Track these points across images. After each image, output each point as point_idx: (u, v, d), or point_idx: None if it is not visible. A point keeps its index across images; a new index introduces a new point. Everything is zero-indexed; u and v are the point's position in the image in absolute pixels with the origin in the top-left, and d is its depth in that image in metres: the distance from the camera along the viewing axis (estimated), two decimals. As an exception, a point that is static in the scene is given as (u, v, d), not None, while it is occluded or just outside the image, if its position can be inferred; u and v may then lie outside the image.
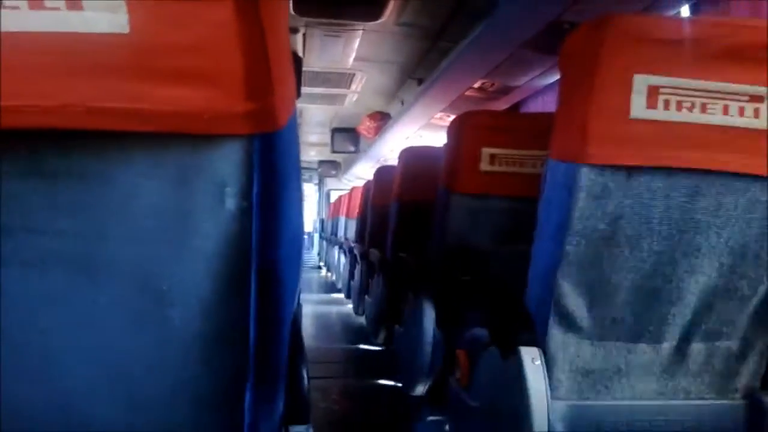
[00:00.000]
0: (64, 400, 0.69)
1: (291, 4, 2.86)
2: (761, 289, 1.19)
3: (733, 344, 1.22)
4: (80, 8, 0.57)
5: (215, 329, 0.69)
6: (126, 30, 0.57)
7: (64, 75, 0.58)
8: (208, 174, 0.65)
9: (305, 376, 0.90)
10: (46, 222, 0.64)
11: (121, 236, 0.66)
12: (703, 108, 1.08)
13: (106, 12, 0.57)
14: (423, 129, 4.67)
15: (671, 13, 2.12)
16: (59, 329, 0.67)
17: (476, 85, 3.35)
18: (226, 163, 0.65)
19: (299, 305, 1.00)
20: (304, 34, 3.36)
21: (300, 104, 5.20)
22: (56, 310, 0.67)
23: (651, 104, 1.07)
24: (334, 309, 5.24)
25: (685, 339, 1.20)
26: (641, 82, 1.06)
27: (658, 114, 1.07)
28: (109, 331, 0.68)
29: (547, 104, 3.23)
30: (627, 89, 1.06)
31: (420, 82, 3.85)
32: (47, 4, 0.56)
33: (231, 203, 0.66)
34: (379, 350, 3.09)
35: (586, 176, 1.09)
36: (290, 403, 0.85)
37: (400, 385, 2.49)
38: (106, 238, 0.65)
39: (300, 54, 3.65)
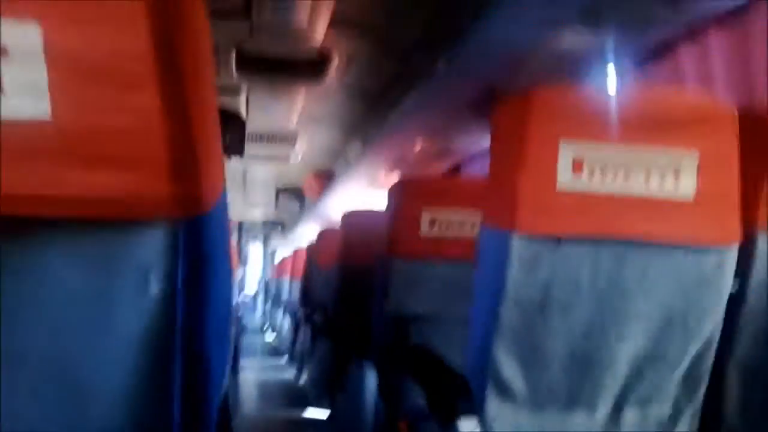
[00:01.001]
0: None
1: (233, 65, 2.87)
2: (689, 354, 1.21)
3: (664, 409, 1.23)
4: (2, 92, 0.56)
5: (138, 419, 0.67)
6: (48, 116, 0.57)
7: None
8: (131, 259, 0.64)
9: None
10: None
11: (37, 324, 0.64)
12: (626, 177, 1.11)
13: (27, 97, 0.56)
14: (368, 188, 4.70)
15: (599, 78, 2.21)
16: None
17: (418, 147, 3.40)
18: (150, 249, 0.64)
19: (236, 377, 0.97)
20: (246, 95, 3.37)
21: (244, 164, 5.19)
22: None
23: (576, 174, 1.10)
24: (276, 376, 5.10)
25: (619, 405, 1.21)
26: (566, 151, 1.09)
27: (584, 184, 1.10)
28: (29, 421, 0.65)
29: (486, 167, 3.29)
30: (553, 159, 1.09)
31: (364, 142, 3.89)
32: None
33: (155, 288, 0.64)
34: (322, 417, 3.00)
35: (517, 245, 1.10)
36: None
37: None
38: (23, 325, 0.63)
39: (243, 115, 3.65)
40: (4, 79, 0.56)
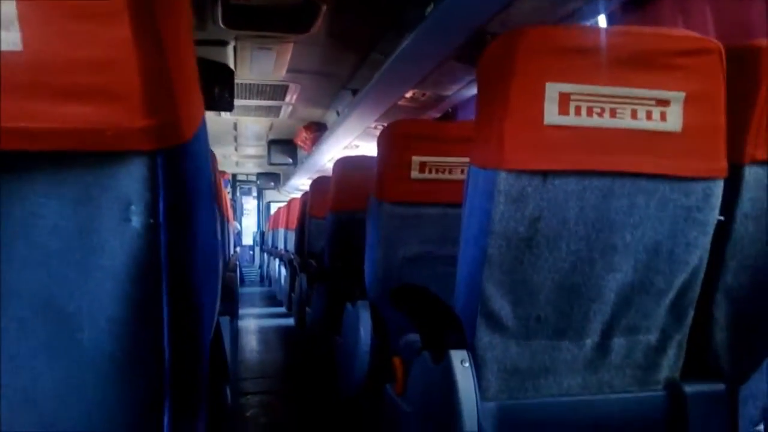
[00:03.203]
0: None
1: (220, 18, 2.84)
2: (676, 284, 1.24)
3: (652, 338, 1.28)
4: None
5: (127, 350, 0.67)
6: (19, 47, 0.57)
7: None
8: (111, 192, 0.64)
9: (228, 394, 0.89)
10: None
11: (23, 258, 0.64)
12: (612, 113, 1.13)
13: None
14: (359, 139, 4.69)
15: (588, 22, 2.20)
16: None
17: (408, 95, 3.39)
18: (130, 180, 0.64)
19: (235, 322, 0.98)
20: (234, 47, 3.34)
21: (235, 116, 5.15)
22: None
23: (563, 111, 1.11)
24: (275, 322, 5.19)
25: (607, 334, 1.25)
26: (553, 89, 1.10)
27: (570, 120, 1.12)
28: (18, 357, 0.66)
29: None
30: (540, 97, 1.10)
31: (354, 92, 3.87)
32: None
33: (137, 221, 0.64)
34: (320, 362, 3.08)
35: (504, 181, 1.12)
36: (212, 423, 0.84)
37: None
38: (9, 261, 0.64)
39: (231, 67, 3.62)
40: None
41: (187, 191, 0.68)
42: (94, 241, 0.65)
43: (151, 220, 0.65)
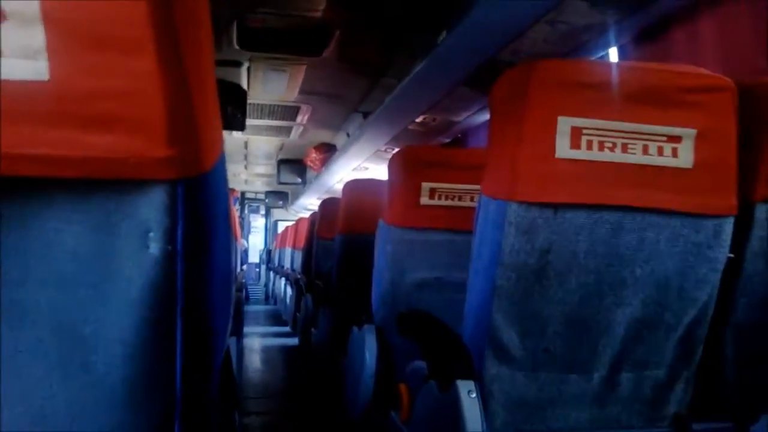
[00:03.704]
0: None
1: (235, 39, 2.88)
2: (685, 320, 1.24)
3: (660, 373, 1.27)
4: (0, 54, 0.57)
5: (140, 375, 0.68)
6: (46, 77, 0.58)
7: None
8: (131, 219, 0.64)
9: (236, 419, 0.89)
10: None
11: (41, 281, 0.64)
12: (624, 148, 1.14)
13: (25, 59, 0.57)
14: (369, 161, 4.71)
15: (599, 54, 2.22)
16: None
17: (419, 120, 3.42)
18: (150, 208, 0.64)
19: (240, 341, 0.99)
20: (248, 68, 3.38)
21: (246, 135, 5.19)
22: None
23: (574, 145, 1.12)
24: (280, 342, 5.18)
25: (615, 369, 1.24)
26: (565, 123, 1.11)
27: (582, 154, 1.12)
28: (31, 378, 0.66)
29: (486, 139, 3.31)
30: (552, 130, 1.11)
31: (365, 115, 3.90)
32: None
33: (155, 248, 0.65)
34: (325, 384, 3.07)
35: (515, 213, 1.13)
36: None
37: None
38: (27, 284, 0.64)
39: (244, 87, 3.65)
40: (3, 42, 0.56)
41: (205, 220, 0.69)
42: (112, 266, 0.65)
43: (169, 248, 0.65)
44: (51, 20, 0.57)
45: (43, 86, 0.58)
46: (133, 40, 0.58)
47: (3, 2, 0.56)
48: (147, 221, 0.65)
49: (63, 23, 0.57)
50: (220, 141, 0.73)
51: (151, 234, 0.65)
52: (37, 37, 0.57)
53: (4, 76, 0.57)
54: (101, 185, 0.63)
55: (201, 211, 0.68)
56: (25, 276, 0.64)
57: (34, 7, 0.57)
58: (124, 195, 0.64)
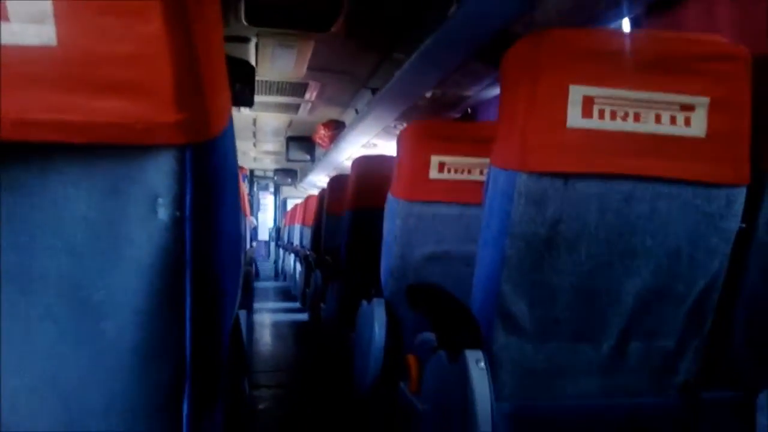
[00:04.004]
0: None
1: (243, 14, 2.86)
2: (695, 290, 1.23)
3: (669, 343, 1.27)
4: (7, 19, 0.57)
5: (150, 340, 0.68)
6: (54, 42, 0.58)
7: None
8: (140, 184, 0.65)
9: (246, 386, 0.90)
10: None
11: (52, 247, 0.65)
12: (636, 117, 1.13)
13: (32, 24, 0.57)
14: (378, 137, 4.69)
15: (612, 25, 2.19)
16: None
17: (428, 95, 3.39)
18: (158, 174, 0.65)
19: (251, 315, 0.99)
20: (256, 44, 3.36)
21: (254, 112, 5.18)
22: None
23: (586, 114, 1.11)
24: (290, 317, 5.22)
25: (624, 338, 1.25)
26: (577, 92, 1.10)
27: (593, 123, 1.11)
28: (43, 343, 0.67)
29: (497, 113, 3.29)
30: (563, 100, 1.10)
31: (374, 91, 3.87)
32: None
33: (163, 213, 0.65)
34: (334, 358, 3.10)
35: (525, 183, 1.12)
36: (230, 414, 0.85)
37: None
38: (38, 249, 0.65)
39: (253, 63, 3.64)
40: (9, 7, 0.56)
41: (213, 185, 0.69)
42: (122, 232, 0.66)
43: (178, 213, 0.66)
44: None
45: (50, 51, 0.58)
46: (140, 4, 0.58)
47: None
48: (155, 187, 0.65)
49: None
50: (228, 107, 0.73)
51: (160, 200, 0.65)
52: (43, 1, 0.57)
53: (11, 42, 0.57)
54: (109, 151, 0.64)
55: (209, 176, 0.68)
56: (36, 242, 0.65)
57: None
58: (133, 161, 0.64)
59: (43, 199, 0.64)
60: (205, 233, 0.69)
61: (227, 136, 0.71)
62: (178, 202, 0.65)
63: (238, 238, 0.80)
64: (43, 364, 0.68)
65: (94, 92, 0.60)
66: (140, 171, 0.65)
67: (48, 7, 0.57)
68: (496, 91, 3.15)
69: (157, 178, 0.65)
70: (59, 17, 0.57)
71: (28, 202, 0.64)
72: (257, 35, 3.22)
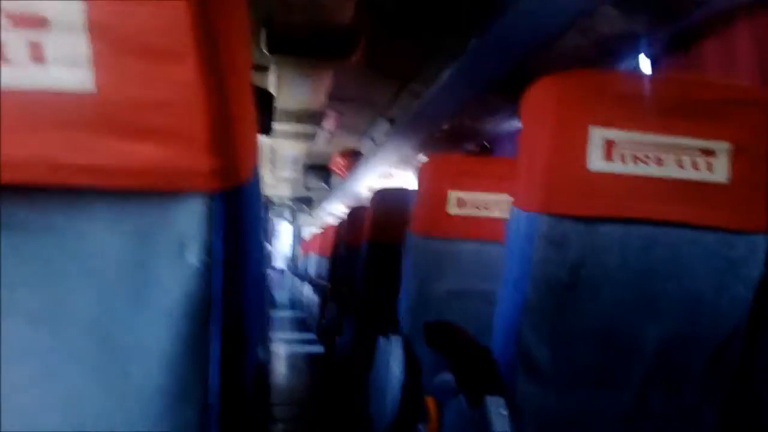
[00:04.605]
0: None
1: (263, 43, 2.89)
2: (718, 338, 1.21)
3: (692, 392, 1.23)
4: (43, 61, 0.57)
5: (175, 383, 0.68)
6: (91, 86, 0.58)
7: (28, 131, 0.59)
8: (170, 229, 0.65)
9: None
10: (8, 273, 0.64)
11: (82, 289, 0.65)
12: (658, 161, 1.12)
13: (70, 68, 0.58)
14: (394, 167, 4.70)
15: (630, 62, 2.18)
16: (19, 381, 0.66)
17: (446, 127, 3.40)
18: (189, 219, 0.65)
19: (269, 350, 0.99)
20: (276, 72, 3.39)
21: (272, 140, 5.21)
22: (16, 361, 0.66)
23: (607, 157, 1.10)
24: (305, 349, 5.19)
25: (646, 386, 1.22)
26: (597, 135, 1.10)
27: (615, 167, 1.10)
28: (69, 384, 0.67)
29: (514, 147, 3.29)
30: (584, 142, 1.10)
31: (391, 121, 3.89)
32: (11, 58, 0.57)
33: (192, 258, 0.65)
34: (349, 393, 3.07)
35: (546, 225, 1.12)
36: None
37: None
38: (68, 291, 0.65)
39: (271, 92, 3.67)
40: (46, 50, 0.57)
41: (241, 230, 0.70)
42: (150, 276, 0.66)
43: (206, 258, 0.66)
44: (94, 27, 0.57)
45: (87, 95, 0.59)
46: (175, 49, 0.59)
47: (44, 8, 0.56)
48: (185, 232, 0.65)
49: (106, 31, 0.58)
50: (256, 150, 0.74)
51: (189, 245, 0.65)
52: (82, 45, 0.58)
53: (47, 84, 0.58)
54: (142, 196, 0.64)
55: (238, 221, 0.68)
56: (66, 283, 0.65)
57: (79, 14, 0.57)
58: (164, 205, 0.65)
59: (75, 241, 0.65)
60: (232, 278, 0.69)
61: (254, 182, 0.72)
62: (207, 248, 0.66)
63: (263, 282, 0.80)
64: (70, 405, 0.67)
65: (129, 137, 0.60)
66: (170, 215, 0.65)
67: (86, 51, 0.58)
68: (513, 124, 3.15)
69: (187, 222, 0.65)
70: (97, 62, 0.58)
71: (60, 244, 0.64)
72: (276, 63, 3.25)
